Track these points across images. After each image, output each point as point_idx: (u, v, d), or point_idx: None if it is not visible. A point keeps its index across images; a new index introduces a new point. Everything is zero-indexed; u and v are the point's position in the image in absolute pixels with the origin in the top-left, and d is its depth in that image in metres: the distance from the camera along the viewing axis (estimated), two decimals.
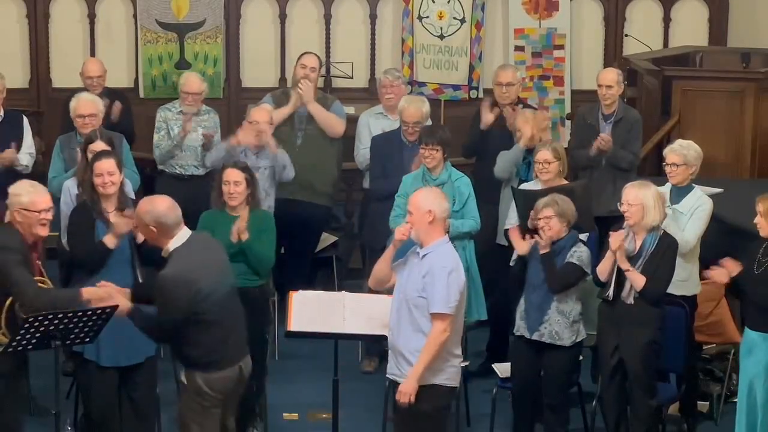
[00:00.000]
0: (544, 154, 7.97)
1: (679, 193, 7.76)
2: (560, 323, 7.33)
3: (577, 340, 7.39)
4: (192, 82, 9.47)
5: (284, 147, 8.86)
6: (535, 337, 7.35)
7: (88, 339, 6.48)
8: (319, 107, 9.39)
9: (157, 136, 9.40)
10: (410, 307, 6.43)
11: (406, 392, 6.41)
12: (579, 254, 7.34)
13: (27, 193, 6.55)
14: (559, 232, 7.34)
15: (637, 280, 7.14)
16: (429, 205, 6.43)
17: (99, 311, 6.36)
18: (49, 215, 6.59)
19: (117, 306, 6.43)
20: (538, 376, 7.43)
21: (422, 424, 6.50)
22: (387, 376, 6.69)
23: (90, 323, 6.35)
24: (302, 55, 9.68)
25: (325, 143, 9.41)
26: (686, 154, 7.78)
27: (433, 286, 6.37)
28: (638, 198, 7.17)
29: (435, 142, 8.05)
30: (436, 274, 6.38)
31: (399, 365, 6.51)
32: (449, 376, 6.52)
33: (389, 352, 6.62)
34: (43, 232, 6.56)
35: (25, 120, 9.36)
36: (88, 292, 6.49)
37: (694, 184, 7.81)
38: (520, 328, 7.44)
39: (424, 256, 6.44)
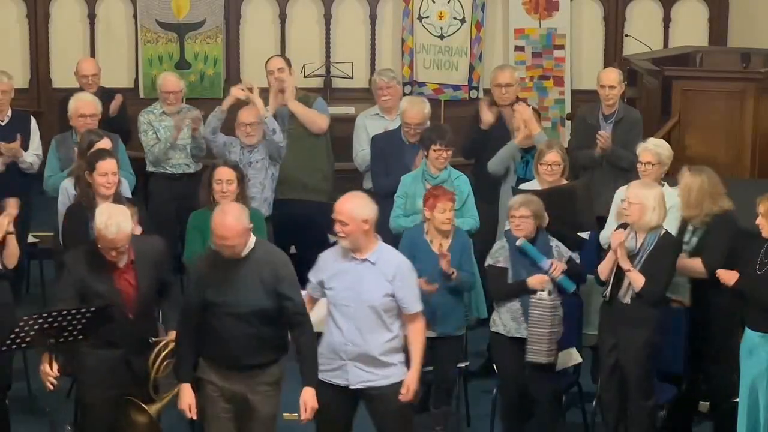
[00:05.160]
0: (552, 157, 7.94)
1: None
2: (506, 316, 7.35)
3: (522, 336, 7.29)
4: (170, 80, 9.49)
5: None
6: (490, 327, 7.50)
7: (81, 337, 6.44)
8: (299, 104, 9.36)
9: (145, 139, 9.35)
10: (379, 312, 6.40)
11: (414, 387, 6.44)
12: (558, 246, 7.36)
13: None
14: (531, 232, 7.32)
15: (636, 279, 7.12)
16: (364, 214, 6.40)
17: (94, 310, 6.33)
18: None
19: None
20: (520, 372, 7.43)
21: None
22: (356, 387, 6.51)
23: (84, 321, 6.31)
24: (267, 60, 9.63)
25: (311, 140, 9.36)
26: (660, 153, 7.86)
27: (409, 287, 6.43)
28: (638, 197, 7.16)
29: (447, 143, 8.08)
30: (407, 275, 6.45)
31: (372, 371, 6.45)
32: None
33: (347, 364, 6.48)
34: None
35: (33, 121, 9.37)
36: None
37: (663, 182, 7.84)
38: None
39: (375, 261, 6.40)
